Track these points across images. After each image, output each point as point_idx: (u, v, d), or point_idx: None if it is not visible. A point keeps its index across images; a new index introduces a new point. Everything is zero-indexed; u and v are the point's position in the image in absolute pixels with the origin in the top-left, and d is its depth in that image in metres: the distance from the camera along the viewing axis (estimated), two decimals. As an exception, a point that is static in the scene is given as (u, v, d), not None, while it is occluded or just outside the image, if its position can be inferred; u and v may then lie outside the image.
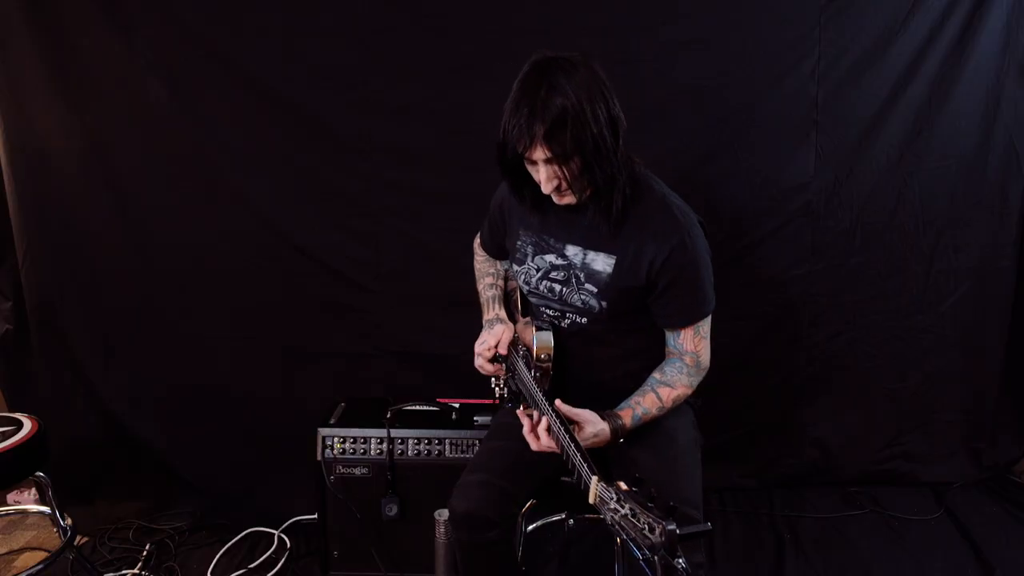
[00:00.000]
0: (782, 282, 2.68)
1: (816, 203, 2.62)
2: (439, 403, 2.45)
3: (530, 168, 1.61)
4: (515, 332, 1.91)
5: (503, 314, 1.96)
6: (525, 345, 1.85)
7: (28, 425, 2.12)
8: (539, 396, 1.62)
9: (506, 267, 2.05)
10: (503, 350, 1.86)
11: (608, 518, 1.21)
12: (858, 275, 2.69)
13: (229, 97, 2.54)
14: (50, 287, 2.67)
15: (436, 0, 2.48)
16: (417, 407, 2.43)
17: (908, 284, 2.70)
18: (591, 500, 1.28)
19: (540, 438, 1.55)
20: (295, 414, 2.70)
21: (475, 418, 2.33)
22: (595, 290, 1.72)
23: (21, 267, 2.66)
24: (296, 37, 2.50)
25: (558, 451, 1.50)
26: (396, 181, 2.61)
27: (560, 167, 1.55)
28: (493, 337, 1.88)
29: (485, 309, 2.01)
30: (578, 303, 1.75)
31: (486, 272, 2.08)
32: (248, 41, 2.50)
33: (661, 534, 1.08)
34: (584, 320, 1.76)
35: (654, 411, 1.70)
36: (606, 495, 1.22)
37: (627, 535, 1.15)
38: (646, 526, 1.12)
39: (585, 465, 1.35)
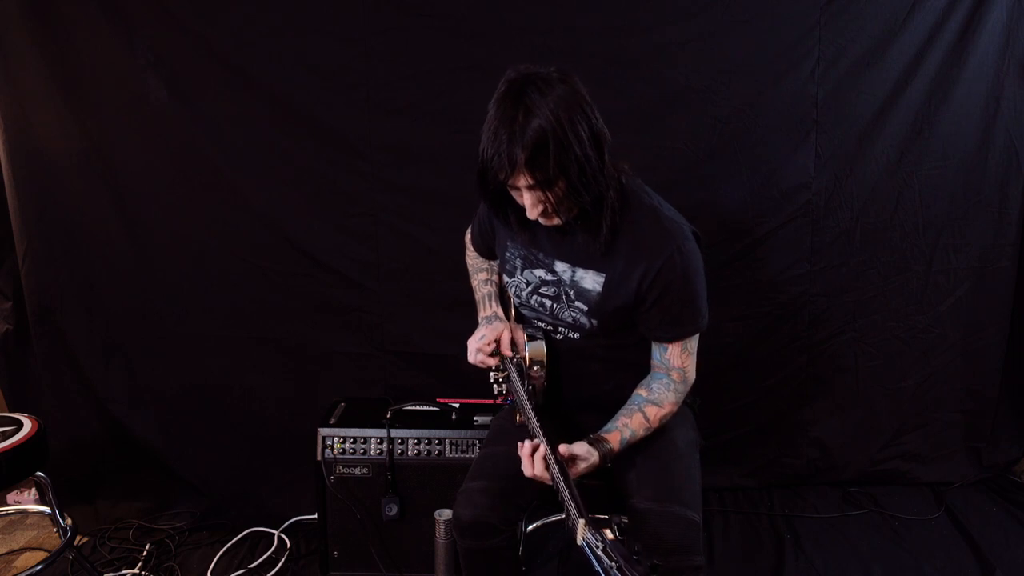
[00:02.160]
0: (782, 282, 2.68)
1: (816, 203, 2.62)
2: (439, 403, 2.44)
3: (513, 193, 1.55)
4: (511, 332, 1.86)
5: (500, 312, 1.93)
6: (519, 348, 1.81)
7: (28, 425, 2.12)
8: (533, 419, 1.57)
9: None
10: (506, 350, 1.80)
11: (595, 565, 1.22)
12: (858, 275, 2.69)
13: (229, 97, 2.53)
14: (50, 287, 2.67)
15: (437, 0, 2.48)
16: (417, 407, 2.43)
17: (908, 284, 2.70)
18: (578, 542, 1.27)
19: (536, 466, 1.49)
20: (295, 414, 2.71)
21: (475, 418, 2.33)
22: (585, 308, 1.68)
23: (21, 267, 2.66)
24: (296, 37, 2.50)
25: (548, 482, 1.47)
26: (396, 181, 2.61)
27: (544, 192, 1.49)
28: (492, 332, 1.82)
29: (481, 306, 1.97)
30: (569, 319, 1.72)
31: (479, 268, 2.04)
32: (248, 41, 2.50)
33: None
34: (577, 335, 1.74)
35: (641, 432, 1.66)
36: (592, 541, 1.23)
37: None
38: None
39: (574, 505, 1.33)
